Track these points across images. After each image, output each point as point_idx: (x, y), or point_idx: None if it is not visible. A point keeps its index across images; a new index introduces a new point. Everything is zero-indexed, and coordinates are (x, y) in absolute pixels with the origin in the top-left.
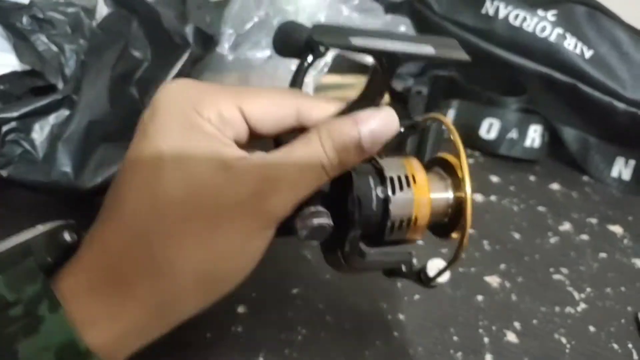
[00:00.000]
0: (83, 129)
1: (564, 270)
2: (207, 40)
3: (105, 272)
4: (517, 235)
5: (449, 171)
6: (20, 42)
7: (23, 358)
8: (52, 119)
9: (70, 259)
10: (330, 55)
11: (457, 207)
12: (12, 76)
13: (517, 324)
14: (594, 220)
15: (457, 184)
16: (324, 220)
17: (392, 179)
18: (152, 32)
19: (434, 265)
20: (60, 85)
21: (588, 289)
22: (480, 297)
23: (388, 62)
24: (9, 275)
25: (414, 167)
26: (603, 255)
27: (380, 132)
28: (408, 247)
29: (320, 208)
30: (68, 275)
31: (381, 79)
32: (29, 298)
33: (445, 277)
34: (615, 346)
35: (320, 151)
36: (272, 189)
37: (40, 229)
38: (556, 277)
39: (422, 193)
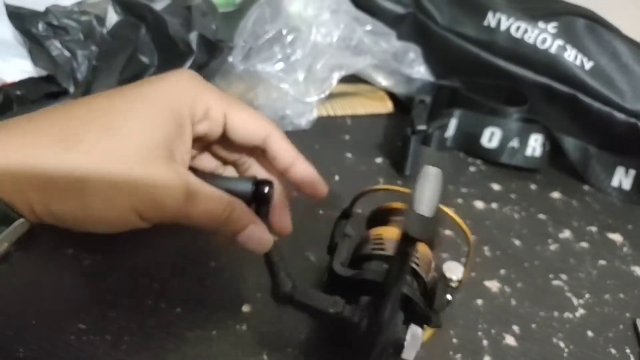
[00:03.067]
0: None
1: (564, 276)
2: (212, 47)
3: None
4: (517, 242)
5: (397, 212)
6: (35, 47)
7: None
8: None
9: None
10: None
11: None
12: (29, 82)
13: (516, 328)
14: (593, 229)
15: None
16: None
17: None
18: (158, 39)
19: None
20: (71, 89)
21: (587, 295)
22: (480, 301)
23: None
24: None
25: (384, 230)
26: (602, 262)
27: (253, 243)
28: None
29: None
30: None
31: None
32: None
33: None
34: (613, 351)
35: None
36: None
37: None
38: (555, 283)
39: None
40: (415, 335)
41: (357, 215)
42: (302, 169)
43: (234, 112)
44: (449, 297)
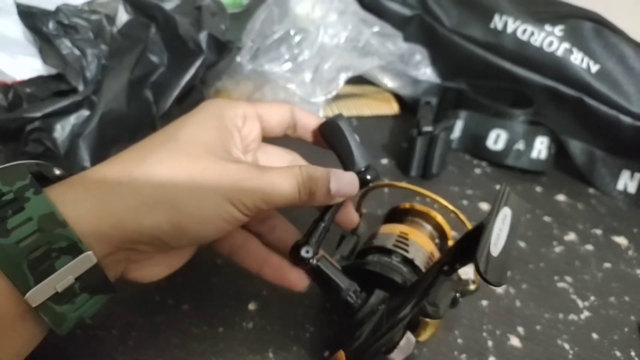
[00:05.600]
0: (101, 128)
1: (569, 278)
2: (221, 47)
3: (97, 178)
4: (522, 244)
5: (412, 212)
6: (46, 45)
7: (12, 228)
8: (72, 119)
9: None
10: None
11: (438, 228)
12: (39, 80)
13: (520, 329)
14: (599, 231)
15: (424, 217)
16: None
17: (395, 246)
18: (168, 38)
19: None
20: (80, 87)
21: (592, 298)
22: (485, 302)
23: None
24: (3, 173)
25: (396, 227)
26: (607, 265)
27: (344, 185)
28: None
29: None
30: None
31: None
32: (18, 188)
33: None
34: (618, 353)
35: (297, 173)
36: (256, 179)
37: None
38: (560, 285)
39: (417, 238)
40: (409, 341)
41: (365, 215)
42: None
43: (262, 107)
44: (458, 295)
